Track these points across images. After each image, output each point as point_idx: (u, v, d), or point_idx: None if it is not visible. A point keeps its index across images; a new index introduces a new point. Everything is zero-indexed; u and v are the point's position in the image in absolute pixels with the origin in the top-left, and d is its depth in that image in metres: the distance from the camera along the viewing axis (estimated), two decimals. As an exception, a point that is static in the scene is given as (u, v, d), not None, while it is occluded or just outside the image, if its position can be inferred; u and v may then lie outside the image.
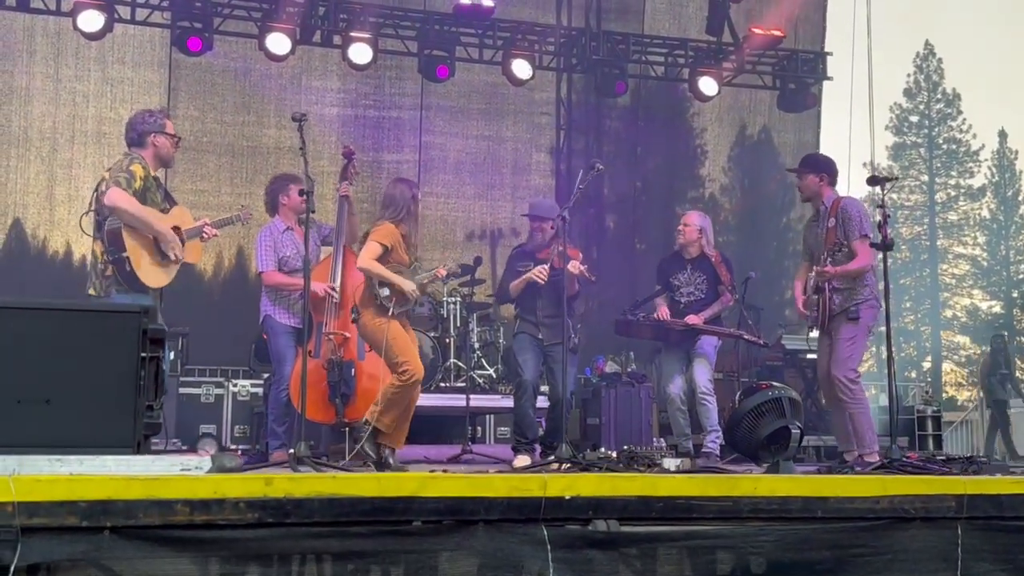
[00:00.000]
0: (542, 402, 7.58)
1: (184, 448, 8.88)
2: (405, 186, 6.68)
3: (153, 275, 5.97)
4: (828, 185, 7.28)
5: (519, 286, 7.31)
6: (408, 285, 6.40)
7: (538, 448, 7.45)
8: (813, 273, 7.03)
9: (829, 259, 6.85)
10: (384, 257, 6.39)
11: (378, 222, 6.52)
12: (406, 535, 3.90)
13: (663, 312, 7.83)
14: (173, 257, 6.09)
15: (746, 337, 8.09)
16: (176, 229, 6.15)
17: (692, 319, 7.73)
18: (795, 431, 5.98)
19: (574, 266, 6.96)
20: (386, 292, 6.38)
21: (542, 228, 7.33)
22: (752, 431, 6.06)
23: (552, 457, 6.05)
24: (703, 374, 7.75)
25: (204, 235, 6.41)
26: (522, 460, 6.98)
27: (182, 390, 9.46)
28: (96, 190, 6.03)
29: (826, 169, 7.37)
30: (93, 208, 6.03)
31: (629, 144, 13.74)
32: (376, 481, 3.87)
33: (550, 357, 7.17)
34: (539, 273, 7.10)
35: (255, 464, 6.18)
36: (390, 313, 6.36)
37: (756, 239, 13.59)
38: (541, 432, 7.54)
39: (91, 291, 5.95)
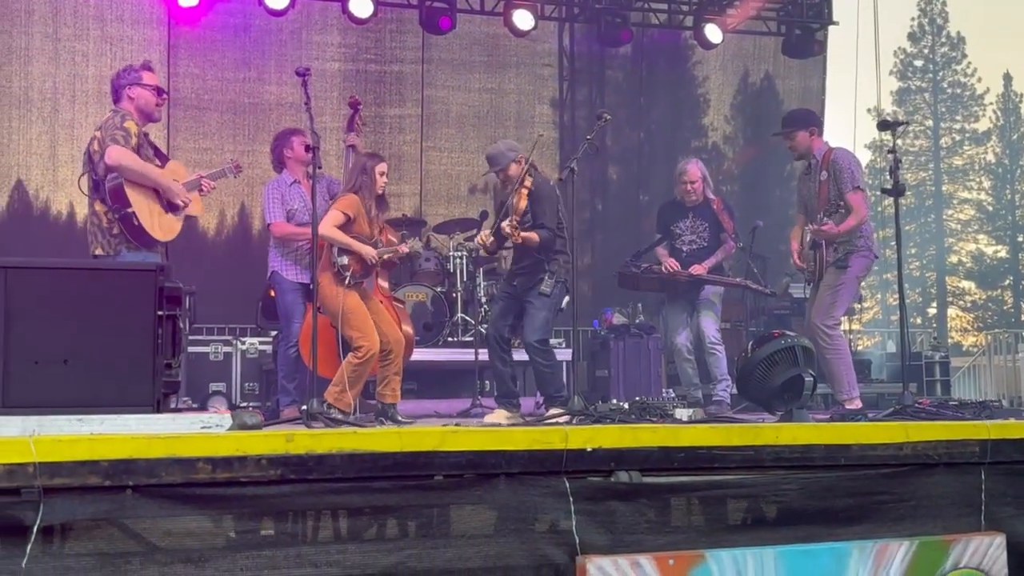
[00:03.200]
0: (520, 355, 7.35)
1: (195, 406, 8.89)
2: (364, 158, 6.77)
3: (161, 228, 5.97)
4: (818, 137, 7.23)
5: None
6: (368, 251, 6.57)
7: (536, 402, 7.43)
8: (809, 228, 6.98)
9: (827, 218, 6.79)
10: (347, 226, 6.52)
11: (342, 193, 6.67)
12: (427, 489, 3.89)
13: (671, 264, 7.77)
14: (181, 203, 6.08)
15: (752, 286, 8.03)
16: (175, 183, 6.14)
17: (696, 269, 7.68)
18: (808, 379, 5.95)
19: (503, 226, 6.64)
20: (344, 260, 6.51)
21: (507, 177, 6.88)
22: (765, 380, 6.04)
23: (563, 411, 6.02)
24: (710, 324, 7.73)
25: (202, 188, 6.41)
26: (494, 416, 6.73)
27: (191, 349, 9.43)
28: (88, 150, 5.99)
29: (814, 121, 7.33)
30: (88, 169, 5.99)
31: (632, 94, 13.60)
32: (397, 436, 3.85)
33: (525, 303, 6.79)
34: (480, 240, 6.98)
35: (268, 422, 6.19)
36: (346, 282, 6.49)
37: (760, 187, 13.48)
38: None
39: (98, 251, 5.91)
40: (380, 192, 6.77)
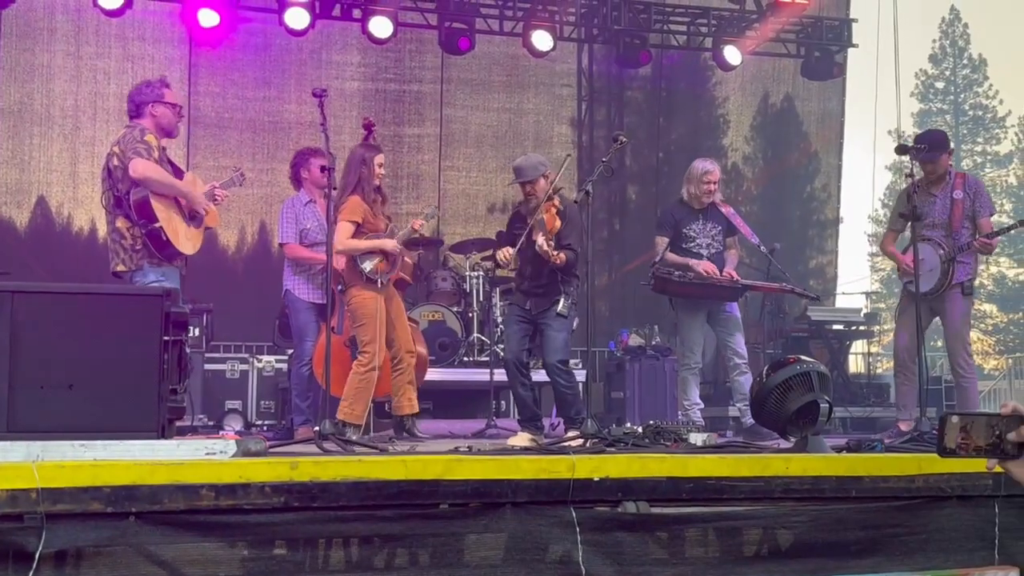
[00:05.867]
0: (540, 376, 7.28)
1: (210, 424, 8.90)
2: (362, 150, 6.65)
3: (185, 242, 5.99)
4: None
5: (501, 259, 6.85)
6: (388, 243, 6.53)
7: (550, 423, 7.35)
8: (945, 240, 7.10)
9: (979, 234, 7.05)
10: (359, 232, 6.49)
11: (342, 200, 6.49)
12: (433, 518, 3.86)
13: (708, 267, 7.43)
14: (204, 213, 6.10)
15: (798, 290, 7.90)
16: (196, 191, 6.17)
17: (731, 275, 7.48)
18: (824, 405, 5.86)
19: (540, 244, 6.42)
20: (368, 266, 6.47)
21: (533, 191, 6.70)
22: (780, 406, 5.94)
23: (576, 433, 5.96)
24: (741, 342, 7.59)
25: (216, 198, 6.41)
26: (517, 439, 6.46)
27: (207, 366, 9.44)
28: (107, 166, 6.00)
29: (949, 145, 7.47)
30: (108, 186, 6.01)
31: (651, 115, 13.59)
32: (402, 464, 3.83)
33: (541, 324, 6.65)
34: (502, 256, 6.65)
35: (281, 441, 6.19)
36: (379, 285, 6.48)
37: (779, 209, 13.43)
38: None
39: (119, 267, 5.92)
40: (378, 183, 6.68)
